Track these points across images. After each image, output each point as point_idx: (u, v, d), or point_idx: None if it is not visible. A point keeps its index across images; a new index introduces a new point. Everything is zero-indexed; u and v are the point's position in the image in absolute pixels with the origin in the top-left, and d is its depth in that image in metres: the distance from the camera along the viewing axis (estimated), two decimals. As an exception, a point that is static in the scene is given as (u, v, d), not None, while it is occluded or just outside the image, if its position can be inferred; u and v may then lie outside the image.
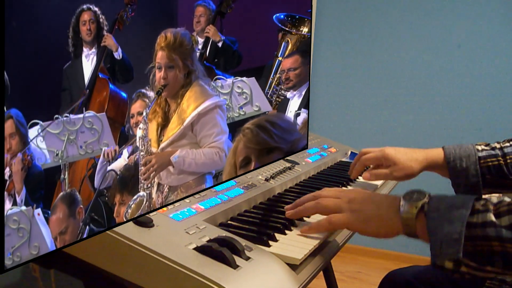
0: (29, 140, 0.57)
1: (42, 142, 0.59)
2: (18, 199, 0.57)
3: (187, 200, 0.93)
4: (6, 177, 0.54)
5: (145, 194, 0.77)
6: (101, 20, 0.65)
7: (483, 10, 2.68)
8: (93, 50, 0.66)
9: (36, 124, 0.58)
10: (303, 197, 0.97)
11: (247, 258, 0.76)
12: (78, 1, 0.61)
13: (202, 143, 0.80)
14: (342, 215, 0.88)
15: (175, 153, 0.78)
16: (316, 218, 0.97)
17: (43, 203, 0.60)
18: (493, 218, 0.75)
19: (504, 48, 2.68)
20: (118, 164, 0.71)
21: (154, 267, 0.71)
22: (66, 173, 0.64)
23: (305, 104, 1.15)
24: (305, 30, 1.08)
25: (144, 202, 0.77)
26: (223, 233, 0.83)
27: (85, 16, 0.63)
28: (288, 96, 1.12)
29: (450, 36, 2.76)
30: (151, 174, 0.75)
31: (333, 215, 0.89)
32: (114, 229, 0.73)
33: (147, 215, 0.79)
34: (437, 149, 1.23)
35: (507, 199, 0.78)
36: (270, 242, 0.85)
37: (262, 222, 0.95)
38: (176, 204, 0.90)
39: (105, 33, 0.66)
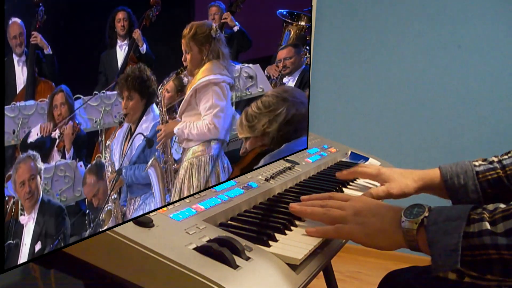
0: (75, 109, 0.73)
1: (84, 112, 0.75)
2: (67, 155, 0.73)
3: (187, 200, 0.93)
4: (56, 136, 0.71)
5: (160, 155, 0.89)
6: (132, 18, 0.81)
7: (483, 10, 2.68)
8: (125, 42, 0.82)
9: (79, 98, 0.74)
10: (312, 200, 1.00)
11: (247, 258, 0.76)
12: (115, 3, 0.79)
13: (202, 114, 0.96)
14: (348, 227, 0.90)
15: (177, 125, 0.93)
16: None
17: (85, 158, 0.75)
18: (488, 226, 0.75)
19: (505, 48, 2.68)
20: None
21: (154, 267, 0.71)
22: (103, 135, 0.79)
23: (297, 86, 1.29)
24: (302, 23, 1.26)
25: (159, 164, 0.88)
26: (223, 233, 0.83)
27: (120, 15, 0.80)
28: (284, 81, 1.24)
29: (450, 36, 2.76)
30: (161, 140, 0.90)
31: (340, 226, 0.91)
32: (114, 229, 0.74)
33: (147, 215, 0.79)
34: (433, 169, 1.22)
35: (501, 205, 0.78)
36: (270, 242, 0.85)
37: (262, 222, 0.95)
38: (176, 204, 0.90)
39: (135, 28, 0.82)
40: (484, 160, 1.18)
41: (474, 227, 0.77)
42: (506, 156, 1.16)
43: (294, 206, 0.98)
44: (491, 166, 1.15)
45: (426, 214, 0.84)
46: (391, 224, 0.87)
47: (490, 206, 0.80)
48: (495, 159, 1.17)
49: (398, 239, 0.86)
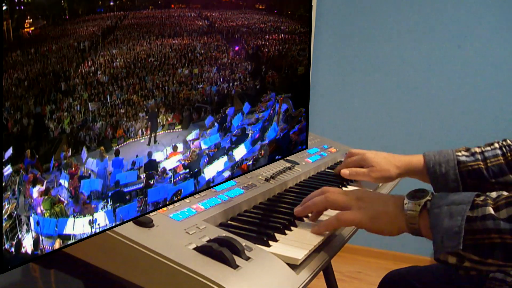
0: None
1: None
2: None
3: (187, 200, 0.93)
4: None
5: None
6: None
7: (483, 10, 2.68)
8: None
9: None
10: (311, 194, 0.99)
11: (247, 258, 0.76)
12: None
13: None
14: (351, 213, 0.90)
15: None
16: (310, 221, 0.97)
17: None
18: (492, 211, 0.76)
19: (504, 48, 2.68)
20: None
21: (154, 267, 0.71)
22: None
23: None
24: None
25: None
26: (223, 233, 0.82)
27: None
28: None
29: (450, 36, 2.76)
30: None
31: (341, 213, 0.90)
32: (114, 229, 0.74)
33: (147, 215, 0.79)
34: (417, 155, 1.25)
35: (505, 193, 0.79)
36: (270, 242, 0.85)
37: (262, 222, 0.95)
38: (176, 204, 0.90)
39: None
40: (467, 150, 1.21)
41: (477, 211, 0.77)
42: (488, 148, 1.19)
43: (297, 209, 0.97)
44: (472, 157, 1.18)
45: (429, 198, 0.85)
46: (394, 208, 0.88)
47: (493, 194, 0.80)
48: (478, 150, 1.19)
49: (400, 223, 0.86)
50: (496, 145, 1.19)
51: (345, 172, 1.29)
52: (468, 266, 0.77)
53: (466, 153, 1.20)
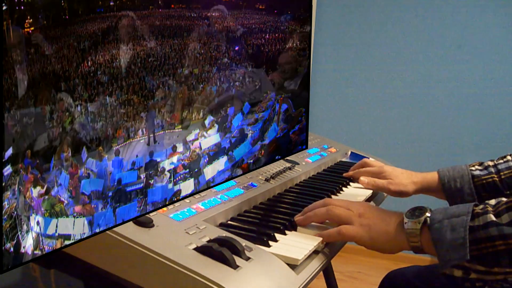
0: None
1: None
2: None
3: (187, 200, 0.93)
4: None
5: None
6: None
7: (483, 10, 2.68)
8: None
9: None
10: (313, 204, 0.99)
11: (247, 258, 0.76)
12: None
13: None
14: (352, 228, 0.90)
15: None
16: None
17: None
18: (493, 217, 0.76)
19: (504, 48, 2.67)
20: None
21: (154, 267, 0.71)
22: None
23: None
24: (304, 26, 1.24)
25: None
26: (223, 233, 0.82)
27: None
28: (285, 85, 1.23)
29: (450, 36, 2.76)
30: None
31: (343, 227, 0.90)
32: (114, 229, 0.74)
33: (147, 215, 0.79)
34: (432, 172, 1.27)
35: (504, 198, 0.79)
36: (270, 242, 0.85)
37: (262, 222, 0.95)
38: (176, 204, 0.90)
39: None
40: (481, 164, 1.23)
41: (478, 220, 0.77)
42: (501, 161, 1.21)
43: (298, 218, 0.97)
44: (486, 171, 1.20)
45: (428, 214, 0.84)
46: (395, 227, 0.88)
47: (492, 201, 0.80)
48: (491, 164, 1.21)
49: (401, 242, 0.87)
50: (509, 157, 1.20)
51: (363, 180, 1.28)
52: (474, 278, 0.77)
53: (479, 167, 1.21)
